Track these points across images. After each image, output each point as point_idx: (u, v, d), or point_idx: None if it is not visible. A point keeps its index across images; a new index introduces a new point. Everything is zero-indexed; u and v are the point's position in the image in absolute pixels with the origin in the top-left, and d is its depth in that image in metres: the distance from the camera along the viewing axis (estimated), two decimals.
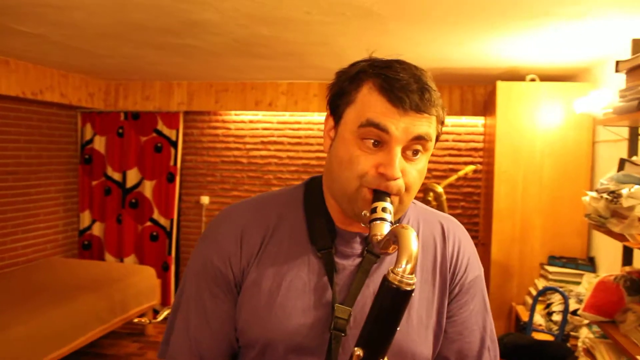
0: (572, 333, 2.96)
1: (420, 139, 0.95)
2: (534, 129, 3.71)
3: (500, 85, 3.77)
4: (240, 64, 4.22)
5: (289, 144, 5.40)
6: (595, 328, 2.61)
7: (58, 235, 5.39)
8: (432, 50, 3.47)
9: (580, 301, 3.00)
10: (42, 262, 4.97)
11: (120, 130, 5.52)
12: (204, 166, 5.60)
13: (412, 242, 0.83)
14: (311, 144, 5.33)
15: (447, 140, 5.07)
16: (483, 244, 4.16)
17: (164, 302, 5.24)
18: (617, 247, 2.89)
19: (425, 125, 0.96)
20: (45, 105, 5.09)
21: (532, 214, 3.70)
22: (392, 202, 0.95)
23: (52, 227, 5.30)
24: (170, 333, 1.11)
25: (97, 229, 5.61)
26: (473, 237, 4.41)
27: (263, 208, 1.11)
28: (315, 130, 5.31)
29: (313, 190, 1.12)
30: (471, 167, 3.60)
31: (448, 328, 1.12)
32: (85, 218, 5.61)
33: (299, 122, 5.38)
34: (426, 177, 5.01)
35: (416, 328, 1.06)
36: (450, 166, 5.06)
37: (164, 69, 4.62)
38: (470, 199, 5.03)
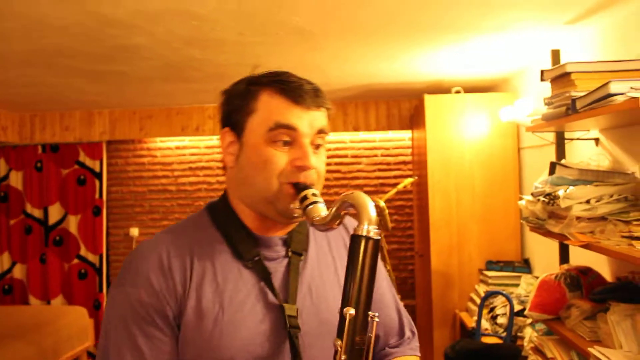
0: (517, 334, 3.05)
1: (322, 132, 1.07)
2: (462, 139, 3.84)
3: (428, 99, 3.89)
4: (168, 88, 4.13)
5: (218, 168, 5.31)
6: (539, 326, 2.70)
7: None
8: (361, 66, 3.54)
9: (521, 302, 3.10)
10: None
11: (39, 164, 5.24)
12: (131, 197, 5.40)
13: (368, 202, 0.94)
14: None
15: (376, 156, 5.16)
16: (421, 255, 4.23)
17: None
18: (550, 247, 3.02)
19: (323, 118, 1.08)
20: None
21: (467, 222, 3.81)
22: None
23: None
24: None
25: (18, 271, 5.26)
26: (409, 249, 4.49)
27: (176, 236, 1.09)
28: None
29: (219, 209, 1.14)
30: (409, 180, 3.67)
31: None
32: (4, 260, 5.25)
33: None
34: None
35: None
36: (381, 180, 5.14)
37: (87, 98, 4.44)
38: (403, 211, 5.13)
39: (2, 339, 3.78)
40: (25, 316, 4.42)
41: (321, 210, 0.98)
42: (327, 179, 5.12)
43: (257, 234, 1.10)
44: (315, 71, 3.67)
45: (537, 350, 2.51)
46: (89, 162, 5.20)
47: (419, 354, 1.29)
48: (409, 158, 5.12)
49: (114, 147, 5.38)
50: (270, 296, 1.05)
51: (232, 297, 1.03)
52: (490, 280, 3.53)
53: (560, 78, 2.33)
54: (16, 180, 5.27)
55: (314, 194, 1.00)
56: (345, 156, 5.19)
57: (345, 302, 0.91)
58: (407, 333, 1.28)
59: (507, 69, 3.67)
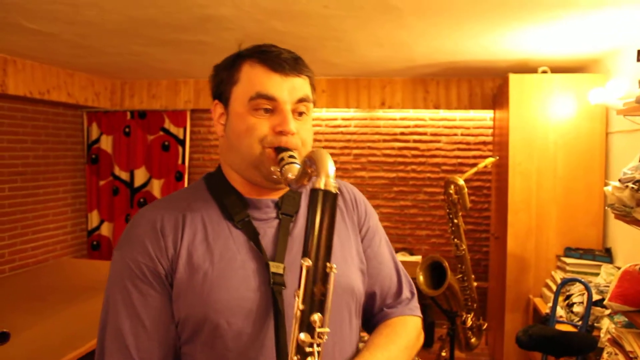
0: (594, 324, 2.96)
1: (303, 100, 1.11)
2: (547, 121, 3.71)
3: (513, 78, 3.77)
4: None
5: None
6: (618, 318, 2.61)
7: (67, 236, 5.36)
8: (447, 44, 3.47)
9: (600, 292, 2.99)
10: (52, 263, 4.94)
11: (127, 130, 5.50)
12: (211, 164, 5.58)
13: (327, 158, 0.95)
14: (319, 140, 5.32)
15: (455, 135, 5.06)
16: (497, 238, 4.15)
17: None
18: (635, 236, 2.89)
19: (305, 86, 1.12)
20: (52, 105, 5.06)
21: (547, 206, 3.70)
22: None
23: (61, 228, 5.28)
24: (102, 354, 1.07)
25: (105, 229, 5.58)
26: (484, 231, 4.41)
27: (171, 201, 1.16)
28: (323, 126, 5.30)
29: (213, 178, 1.20)
30: (490, 160, 3.58)
31: (367, 265, 1.25)
32: (94, 218, 5.58)
33: None
34: (438, 172, 5.03)
35: (350, 267, 1.19)
36: (460, 160, 5.05)
37: (171, 67, 4.60)
38: (480, 192, 5.03)
39: (91, 290, 4.03)
40: None
41: (295, 169, 1.01)
42: (404, 156, 5.13)
43: (246, 197, 1.15)
44: (401, 48, 3.62)
45: (615, 342, 2.43)
46: (173, 129, 5.41)
47: (419, 314, 1.30)
48: (489, 138, 4.99)
49: (198, 115, 5.55)
50: (258, 254, 1.09)
51: (222, 254, 1.08)
52: (568, 268, 3.42)
53: None
54: (106, 143, 5.56)
55: (290, 156, 1.04)
56: (425, 134, 5.13)
57: (303, 254, 0.93)
58: (406, 293, 1.30)
59: (598, 49, 3.48)
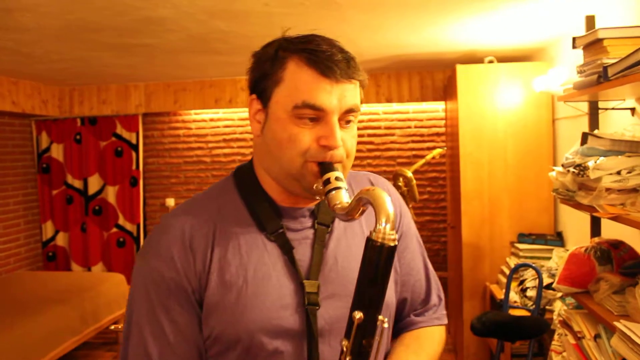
0: (547, 307, 3.02)
1: (352, 110, 1.00)
2: (495, 110, 3.76)
3: (460, 69, 3.81)
4: (198, 61, 4.16)
5: (252, 140, 5.35)
6: (569, 300, 2.66)
7: (20, 249, 5.23)
8: (390, 37, 3.48)
9: (552, 275, 3.05)
10: (6, 276, 4.81)
11: (78, 137, 5.38)
12: (166, 168, 5.50)
13: (387, 201, 0.88)
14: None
15: (409, 127, 5.10)
16: (453, 227, 4.20)
17: None
18: (584, 220, 2.95)
19: (354, 93, 1.01)
20: None
21: (499, 194, 3.75)
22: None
23: (14, 241, 5.14)
24: None
25: (61, 239, 5.46)
26: (442, 221, 4.44)
27: (200, 207, 1.07)
28: None
29: (244, 177, 1.11)
30: (438, 151, 3.62)
31: (400, 272, 1.19)
32: (48, 229, 5.45)
33: None
34: (393, 165, 5.06)
35: None
36: (414, 152, 5.09)
37: (120, 71, 4.51)
38: (436, 183, 5.08)
39: (47, 303, 3.95)
40: (68, 282, 4.59)
41: (342, 197, 0.92)
42: (360, 151, 5.13)
43: (281, 205, 1.07)
44: (346, 42, 3.54)
45: (565, 323, 2.48)
46: (125, 134, 5.31)
47: (446, 321, 1.25)
48: (442, 129, 5.05)
49: (150, 119, 5.47)
50: (293, 271, 1.03)
51: (256, 270, 1.01)
52: (521, 253, 3.48)
53: (593, 45, 2.24)
54: (57, 152, 5.43)
55: (337, 178, 0.94)
56: (379, 127, 5.15)
57: (355, 305, 0.89)
58: (434, 299, 1.24)
59: (542, 37, 3.55)
